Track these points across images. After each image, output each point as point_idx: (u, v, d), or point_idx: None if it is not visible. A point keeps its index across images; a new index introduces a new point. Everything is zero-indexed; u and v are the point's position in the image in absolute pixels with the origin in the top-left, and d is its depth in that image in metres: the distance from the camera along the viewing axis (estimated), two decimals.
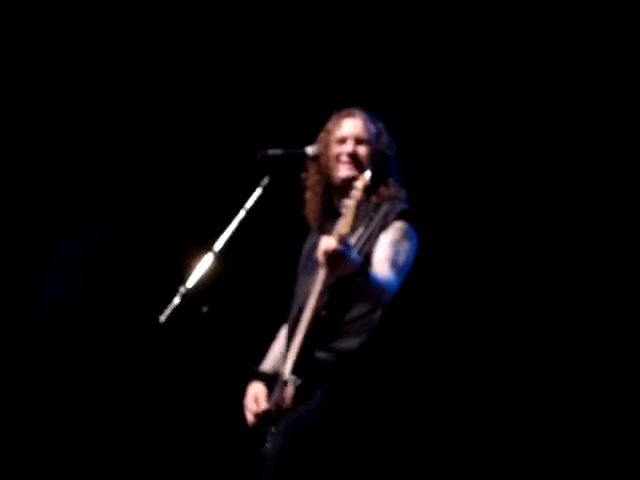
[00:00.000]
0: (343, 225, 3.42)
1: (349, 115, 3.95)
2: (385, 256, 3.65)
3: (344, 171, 3.85)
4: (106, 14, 5.83)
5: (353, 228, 3.45)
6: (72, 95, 5.89)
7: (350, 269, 3.42)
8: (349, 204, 3.44)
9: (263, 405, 3.76)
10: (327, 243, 3.38)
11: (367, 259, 3.65)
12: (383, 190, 3.82)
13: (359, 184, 3.48)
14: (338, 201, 3.85)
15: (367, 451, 3.63)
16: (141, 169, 5.94)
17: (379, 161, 3.87)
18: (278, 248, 5.16)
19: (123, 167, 5.92)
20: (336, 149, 3.88)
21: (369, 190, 3.65)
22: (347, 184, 3.78)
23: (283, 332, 3.99)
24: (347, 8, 5.66)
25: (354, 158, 3.85)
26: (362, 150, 3.87)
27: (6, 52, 5.86)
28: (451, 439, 5.21)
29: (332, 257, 3.38)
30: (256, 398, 3.80)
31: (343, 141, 3.89)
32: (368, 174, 3.51)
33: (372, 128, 3.91)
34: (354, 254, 3.44)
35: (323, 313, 3.60)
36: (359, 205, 3.45)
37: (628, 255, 5.19)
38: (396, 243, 3.69)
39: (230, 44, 5.87)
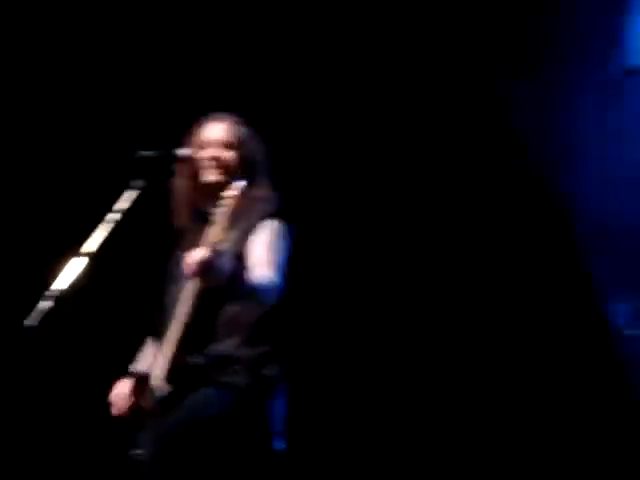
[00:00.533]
0: (214, 233, 3.41)
1: (214, 120, 3.96)
2: (263, 257, 3.65)
3: (208, 176, 3.85)
4: None
5: (224, 236, 3.44)
6: None
7: (221, 278, 3.41)
8: (220, 212, 3.43)
9: (129, 402, 3.74)
10: (194, 254, 3.36)
11: (240, 261, 3.63)
12: (254, 192, 3.80)
13: (231, 192, 3.48)
14: (207, 206, 3.83)
15: (250, 449, 3.62)
16: (6, 166, 5.82)
17: (246, 165, 3.87)
18: (151, 252, 5.10)
19: None
20: (201, 153, 3.88)
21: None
22: (212, 189, 3.79)
23: (151, 341, 3.94)
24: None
25: (218, 162, 3.85)
26: (226, 155, 3.87)
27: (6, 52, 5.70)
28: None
29: (201, 268, 3.35)
30: (128, 392, 3.75)
31: (207, 146, 3.89)
32: (241, 183, 3.51)
33: (237, 132, 3.92)
34: (224, 261, 3.41)
35: (196, 318, 3.57)
36: (231, 213, 3.44)
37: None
38: (272, 243, 3.71)
39: (106, 39, 5.82)
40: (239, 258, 3.64)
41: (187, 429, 3.53)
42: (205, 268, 3.35)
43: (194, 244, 3.60)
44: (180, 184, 3.96)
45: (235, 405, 3.58)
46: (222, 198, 3.51)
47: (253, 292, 3.52)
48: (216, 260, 3.37)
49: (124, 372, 3.87)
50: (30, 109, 5.85)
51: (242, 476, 3.59)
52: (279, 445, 3.70)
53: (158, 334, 3.77)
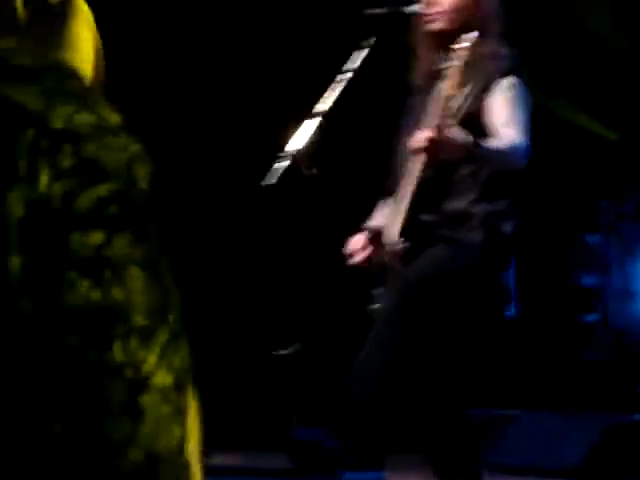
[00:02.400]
0: (446, 88, 3.35)
1: None
2: (504, 118, 3.56)
3: (430, 25, 3.74)
4: None
5: (458, 90, 3.37)
6: None
7: (458, 152, 3.36)
8: (452, 65, 3.35)
9: (370, 250, 3.72)
10: (421, 134, 3.31)
11: (474, 119, 3.56)
12: (486, 47, 3.64)
13: (462, 45, 3.38)
14: (438, 59, 3.75)
15: (485, 310, 3.63)
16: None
17: (472, 13, 3.69)
18: (383, 110, 5.11)
19: None
20: (425, 4, 3.77)
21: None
22: (441, 40, 3.69)
23: (385, 200, 3.97)
24: None
25: (438, 8, 3.70)
26: (446, 1, 3.71)
27: None
28: None
29: (433, 148, 3.32)
30: (364, 243, 3.75)
31: None
32: (472, 35, 3.40)
33: None
34: (459, 135, 3.34)
35: (429, 176, 3.55)
36: (465, 66, 3.36)
37: None
38: (509, 101, 3.60)
39: None
40: (474, 115, 3.58)
41: (427, 283, 3.56)
42: (438, 146, 3.33)
43: (427, 101, 3.57)
44: (415, 41, 3.87)
45: (473, 262, 3.57)
46: (453, 51, 3.42)
47: (497, 157, 3.45)
48: (447, 139, 3.31)
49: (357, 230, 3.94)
50: None
51: (475, 335, 3.61)
52: (510, 312, 3.69)
53: (394, 186, 3.78)
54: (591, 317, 7.52)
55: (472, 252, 3.57)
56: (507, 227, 3.63)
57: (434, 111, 3.38)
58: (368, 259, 3.74)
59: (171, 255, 0.59)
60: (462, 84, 3.39)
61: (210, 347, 5.07)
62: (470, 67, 3.49)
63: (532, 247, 6.64)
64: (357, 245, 3.78)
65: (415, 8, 3.81)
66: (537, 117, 3.76)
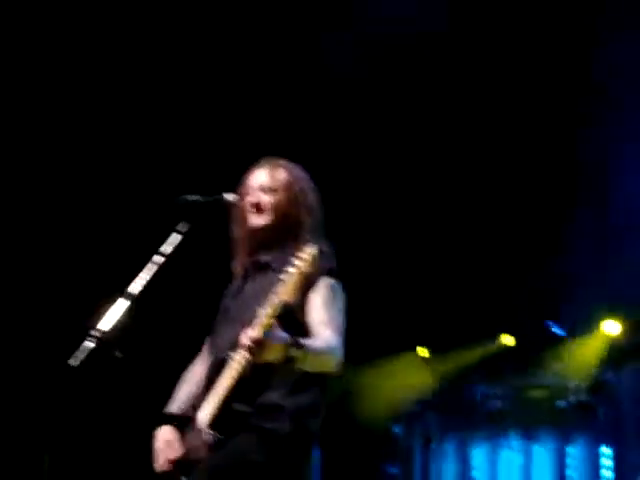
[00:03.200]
0: (284, 292, 3.36)
1: (259, 164, 3.91)
2: (322, 319, 3.59)
3: (250, 220, 3.81)
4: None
5: (293, 296, 3.39)
6: None
7: (279, 352, 3.36)
8: (293, 272, 3.36)
9: (178, 451, 3.68)
10: (249, 332, 3.30)
11: (292, 313, 3.57)
12: (301, 245, 3.64)
13: (306, 255, 3.40)
14: (260, 253, 3.82)
15: None
16: (58, 205, 5.88)
17: (290, 210, 3.80)
18: (194, 295, 5.13)
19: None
20: (246, 198, 3.85)
21: (275, 241, 3.70)
22: (258, 233, 3.78)
23: (190, 375, 3.93)
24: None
25: (258, 206, 3.80)
26: (266, 199, 3.81)
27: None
28: None
29: (255, 348, 3.31)
30: (169, 443, 3.71)
31: (249, 190, 3.85)
32: (315, 249, 3.43)
33: (282, 177, 3.85)
34: (280, 336, 3.35)
35: (248, 373, 3.50)
36: (304, 277, 3.37)
37: None
38: (329, 303, 3.64)
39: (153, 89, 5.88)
40: (295, 314, 3.59)
41: (229, 472, 3.50)
42: (258, 349, 3.31)
43: (252, 294, 3.61)
44: (234, 230, 3.93)
45: (276, 453, 3.54)
46: (296, 258, 3.40)
47: (315, 358, 3.47)
48: (271, 341, 3.31)
49: (163, 411, 3.85)
50: (82, 153, 5.93)
51: None
52: None
53: (207, 373, 3.74)
54: None
55: (277, 443, 3.54)
56: (314, 422, 3.64)
57: (264, 312, 3.39)
58: (175, 459, 3.68)
59: None
60: (297, 292, 3.42)
61: None
62: (306, 276, 3.47)
63: (340, 434, 6.69)
64: (169, 447, 3.71)
65: (231, 197, 3.87)
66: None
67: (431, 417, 7.60)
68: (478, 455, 7.47)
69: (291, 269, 3.38)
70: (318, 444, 3.70)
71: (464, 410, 7.48)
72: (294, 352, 3.38)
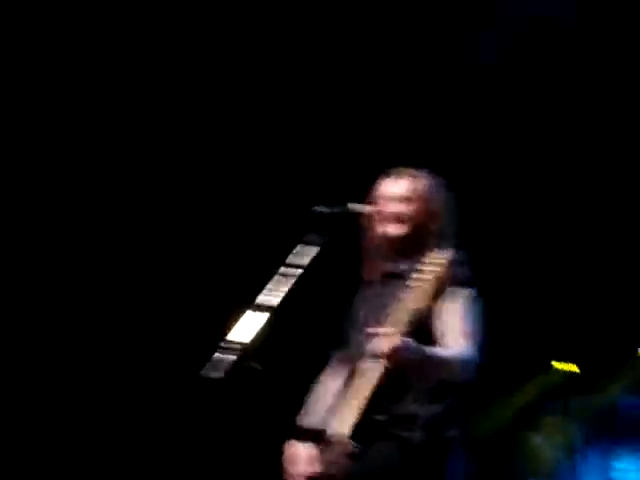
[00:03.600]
0: (417, 299, 3.36)
1: (394, 174, 3.91)
2: (456, 329, 3.57)
3: (386, 230, 3.81)
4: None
5: (425, 303, 3.37)
6: None
7: (412, 362, 3.36)
8: (424, 278, 3.37)
9: (315, 466, 3.66)
10: (388, 340, 3.31)
11: (426, 324, 3.57)
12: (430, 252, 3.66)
13: (438, 261, 3.39)
14: (393, 262, 3.81)
15: None
16: (188, 220, 5.97)
17: (426, 220, 3.79)
18: (330, 307, 5.13)
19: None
20: (380, 208, 3.84)
21: (409, 250, 3.68)
22: (397, 244, 3.78)
23: (322, 385, 3.93)
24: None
25: (395, 218, 3.80)
26: (404, 209, 3.81)
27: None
28: None
29: (393, 355, 3.32)
30: (308, 459, 3.69)
31: (383, 201, 3.85)
32: (447, 254, 3.43)
33: (416, 186, 3.85)
34: (411, 344, 3.35)
35: (384, 382, 3.50)
36: (437, 282, 3.37)
37: None
38: (464, 312, 3.61)
39: (281, 101, 5.91)
40: (426, 324, 3.56)
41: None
42: (397, 356, 3.33)
43: (383, 303, 3.59)
44: (366, 239, 3.93)
45: (411, 462, 3.53)
46: (425, 263, 3.43)
47: (441, 366, 3.46)
48: (408, 349, 3.32)
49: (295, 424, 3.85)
50: (209, 160, 6.00)
51: None
52: None
53: (338, 387, 3.73)
54: None
55: (412, 451, 3.53)
56: (450, 431, 3.60)
57: (396, 319, 3.38)
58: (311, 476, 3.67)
59: None
60: (429, 299, 3.39)
61: None
62: (439, 283, 3.46)
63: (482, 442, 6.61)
64: (308, 464, 3.69)
65: (365, 208, 3.87)
66: None
67: (573, 427, 7.45)
68: (623, 467, 7.31)
69: (421, 275, 3.35)
70: (465, 453, 3.65)
71: (608, 420, 7.32)
72: (425, 360, 3.37)
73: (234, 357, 3.49)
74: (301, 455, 3.71)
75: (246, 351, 3.51)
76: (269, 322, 3.58)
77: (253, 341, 3.53)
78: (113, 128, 5.97)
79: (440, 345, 3.54)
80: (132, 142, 6.00)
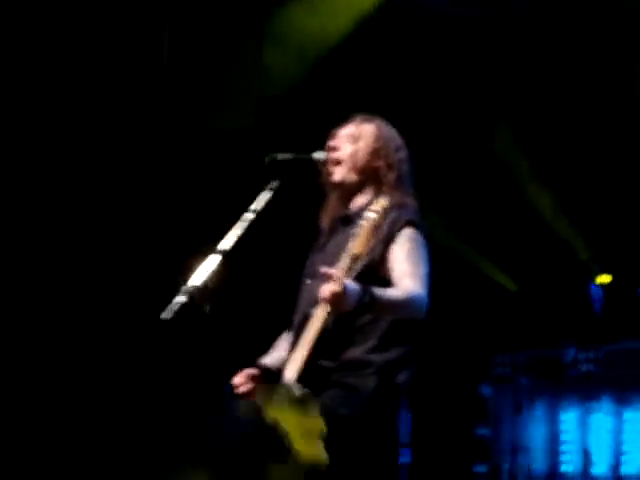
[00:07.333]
0: (356, 245, 3.41)
1: (349, 119, 3.92)
2: (405, 270, 3.60)
3: (332, 175, 3.84)
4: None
5: (365, 249, 3.42)
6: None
7: (352, 305, 3.39)
8: (364, 225, 3.42)
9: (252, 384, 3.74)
10: (328, 286, 3.35)
11: (376, 266, 3.63)
12: (388, 194, 3.70)
13: (377, 207, 3.44)
14: (344, 209, 3.85)
15: (375, 457, 3.60)
16: (150, 168, 5.97)
17: (370, 162, 3.80)
18: (283, 252, 5.17)
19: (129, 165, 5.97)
20: (329, 151, 3.86)
21: (356, 195, 3.75)
22: (342, 187, 3.82)
23: (284, 337, 3.97)
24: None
25: (337, 156, 3.81)
26: (347, 148, 3.82)
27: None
28: None
29: (334, 300, 3.36)
30: (251, 375, 3.77)
31: (334, 142, 3.86)
32: (386, 199, 3.47)
33: (367, 128, 3.85)
34: (353, 287, 3.38)
35: (331, 325, 3.55)
36: (375, 228, 3.42)
37: None
38: (411, 254, 3.64)
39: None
40: (375, 263, 3.63)
41: None
42: (337, 301, 3.36)
43: (335, 249, 3.64)
44: (323, 187, 3.96)
45: (364, 408, 3.56)
46: (368, 211, 3.46)
47: (392, 308, 3.50)
48: (348, 294, 3.35)
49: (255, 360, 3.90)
50: (175, 115, 6.00)
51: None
52: (404, 458, 3.67)
53: (293, 329, 3.78)
54: (482, 467, 7.58)
55: (363, 398, 3.57)
56: (402, 376, 3.65)
57: (340, 265, 3.42)
58: (253, 391, 3.72)
59: None
60: (368, 244, 3.44)
61: None
62: (378, 228, 3.51)
63: (429, 395, 6.69)
64: (244, 378, 3.77)
65: (321, 155, 3.88)
66: (440, 264, 3.84)
67: (521, 380, 7.56)
68: (569, 419, 7.43)
69: (363, 222, 3.41)
70: (407, 405, 3.71)
71: (554, 374, 7.42)
72: (368, 301, 3.40)
73: (183, 299, 3.53)
74: (248, 374, 3.79)
75: (194, 293, 3.54)
76: (220, 266, 3.62)
77: (203, 284, 3.57)
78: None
79: (393, 286, 3.57)
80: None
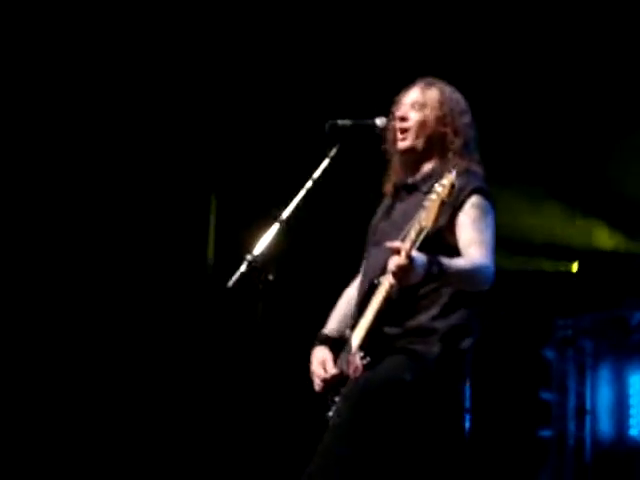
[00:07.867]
0: (425, 217, 3.38)
1: (412, 85, 3.87)
2: (472, 238, 3.59)
3: (399, 143, 3.80)
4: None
5: (434, 222, 3.38)
6: None
7: (420, 277, 3.38)
8: (433, 199, 3.38)
9: (331, 371, 3.74)
10: (394, 261, 3.33)
11: (441, 234, 3.60)
12: (455, 162, 3.68)
13: (446, 182, 3.40)
14: (410, 175, 3.82)
15: (441, 423, 3.61)
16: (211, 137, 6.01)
17: (437, 129, 3.76)
18: (345, 219, 5.17)
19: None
20: (395, 119, 3.81)
21: (422, 162, 3.73)
22: (409, 155, 3.78)
23: (346, 296, 3.98)
24: None
25: (404, 123, 3.77)
26: (414, 116, 3.77)
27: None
28: None
29: (401, 274, 3.34)
30: (323, 363, 3.78)
31: (399, 109, 3.81)
32: (453, 176, 3.41)
33: (432, 94, 3.80)
34: (421, 261, 3.36)
35: (394, 295, 3.55)
36: (443, 203, 3.39)
37: None
38: (477, 222, 3.62)
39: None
40: (444, 233, 3.61)
41: (379, 392, 3.54)
42: (405, 275, 3.35)
43: (400, 217, 3.65)
44: (386, 152, 3.92)
45: (429, 374, 3.57)
46: (438, 185, 3.42)
47: (458, 278, 3.49)
48: (416, 267, 3.33)
49: (319, 332, 3.91)
50: (235, 83, 6.02)
51: (428, 449, 3.59)
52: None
53: (359, 295, 3.78)
54: (547, 432, 7.56)
55: (427, 364, 3.57)
56: (465, 342, 3.64)
57: (407, 237, 3.40)
58: (331, 379, 3.72)
59: None
60: (437, 219, 3.41)
61: None
62: (445, 204, 3.46)
63: (491, 361, 6.67)
64: (323, 367, 3.77)
65: (383, 121, 3.84)
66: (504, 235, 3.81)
67: (585, 343, 7.50)
68: (636, 382, 7.36)
69: (432, 196, 3.38)
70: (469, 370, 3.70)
71: (620, 336, 7.35)
72: (437, 273, 3.39)
73: (244, 269, 3.55)
74: (320, 360, 3.79)
75: (255, 262, 3.56)
76: (279, 234, 3.63)
77: (262, 253, 3.58)
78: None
79: (459, 255, 3.55)
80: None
